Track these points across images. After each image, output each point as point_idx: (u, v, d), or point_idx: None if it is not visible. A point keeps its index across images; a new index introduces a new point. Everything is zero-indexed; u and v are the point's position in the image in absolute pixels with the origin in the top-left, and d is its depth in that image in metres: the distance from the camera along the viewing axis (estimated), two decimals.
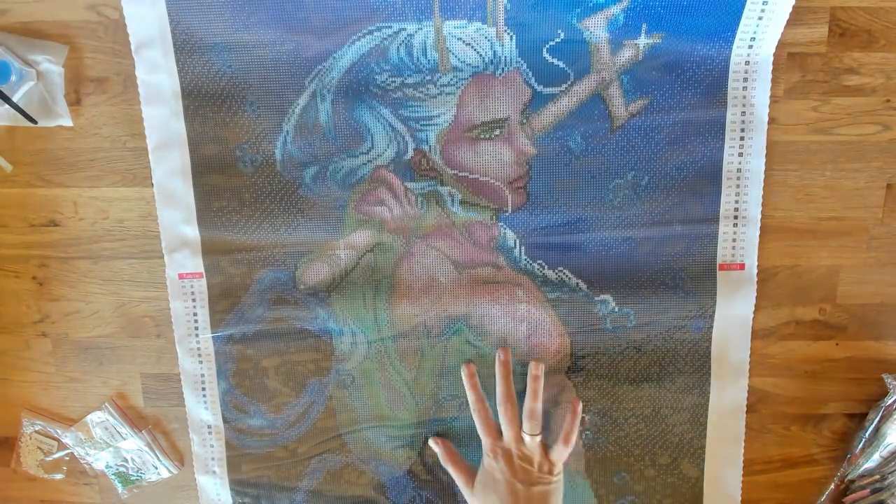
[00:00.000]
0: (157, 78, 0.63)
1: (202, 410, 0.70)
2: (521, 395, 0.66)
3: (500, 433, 0.66)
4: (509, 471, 0.63)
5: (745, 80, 0.61)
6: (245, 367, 0.69)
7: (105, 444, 0.73)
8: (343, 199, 0.65)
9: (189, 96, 0.63)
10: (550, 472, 0.64)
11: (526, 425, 0.64)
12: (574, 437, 0.64)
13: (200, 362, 0.69)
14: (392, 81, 0.62)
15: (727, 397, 0.67)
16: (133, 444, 0.73)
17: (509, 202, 0.65)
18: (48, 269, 0.70)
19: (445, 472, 0.70)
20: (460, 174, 0.64)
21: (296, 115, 0.64)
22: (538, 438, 0.64)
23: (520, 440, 0.64)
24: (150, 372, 0.72)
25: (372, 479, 0.71)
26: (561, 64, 0.62)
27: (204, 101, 0.64)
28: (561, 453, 0.64)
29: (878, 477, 0.68)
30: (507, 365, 0.66)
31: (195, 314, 0.68)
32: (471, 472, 0.67)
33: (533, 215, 0.65)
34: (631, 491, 0.70)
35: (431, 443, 0.69)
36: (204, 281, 0.67)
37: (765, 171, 0.63)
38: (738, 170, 0.63)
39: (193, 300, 0.68)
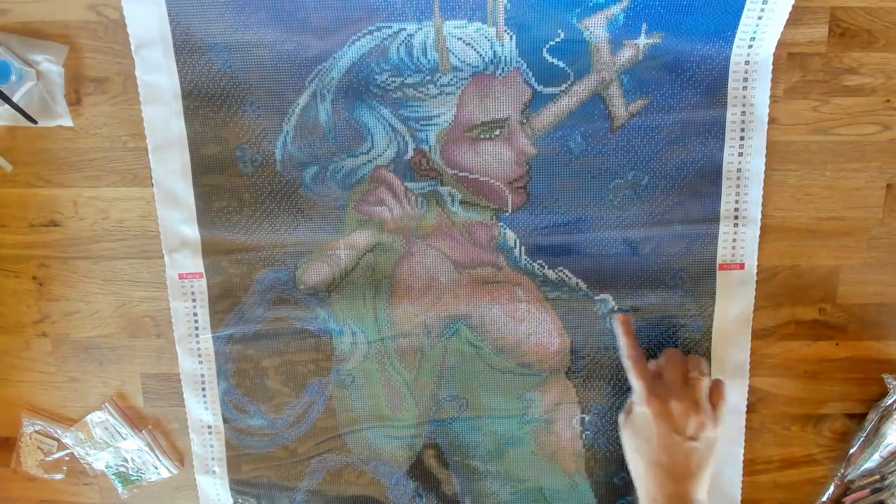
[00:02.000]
0: (157, 78, 0.63)
1: (202, 410, 0.70)
2: (513, 390, 0.67)
3: (658, 377, 0.61)
4: (668, 419, 0.57)
5: (745, 79, 0.61)
6: (245, 367, 0.69)
7: (105, 444, 0.73)
8: (343, 199, 0.65)
9: (189, 96, 0.63)
10: (713, 424, 0.58)
11: (696, 366, 0.60)
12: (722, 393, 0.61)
13: (200, 362, 0.69)
14: (392, 81, 0.62)
15: (727, 397, 0.67)
16: (133, 444, 0.73)
17: (509, 202, 0.65)
18: (48, 269, 0.69)
19: (445, 473, 0.70)
20: (460, 174, 0.64)
21: (296, 115, 0.64)
22: (709, 380, 0.60)
23: (685, 384, 0.59)
24: (150, 372, 0.72)
25: (372, 479, 0.71)
26: (561, 64, 0.61)
27: (204, 101, 0.64)
28: (724, 407, 0.59)
29: (878, 477, 0.68)
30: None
31: (195, 314, 0.68)
32: (647, 384, 0.60)
33: (533, 215, 0.65)
34: (631, 491, 0.70)
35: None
36: (204, 281, 0.67)
37: (765, 171, 0.63)
38: (738, 170, 0.63)
39: (193, 300, 0.68)
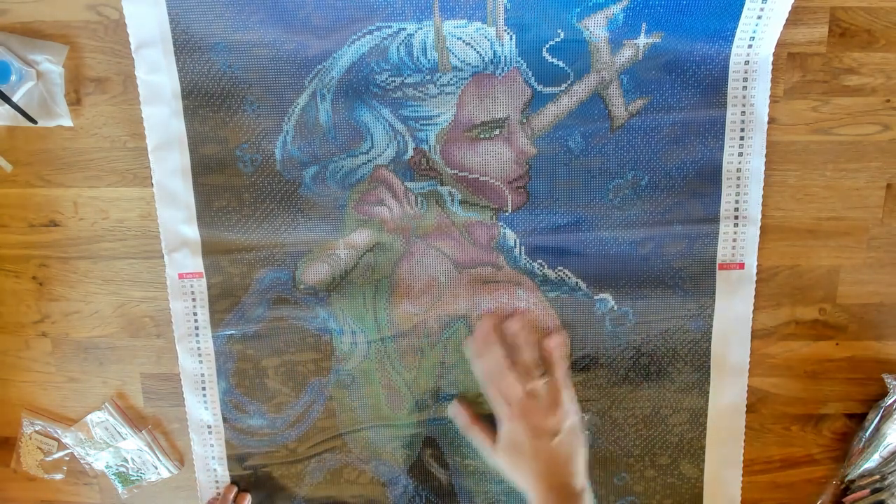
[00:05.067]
0: (157, 78, 0.63)
1: (202, 410, 0.70)
2: None
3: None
4: (529, 429, 0.60)
5: (745, 79, 0.61)
6: (245, 367, 0.69)
7: (105, 444, 0.73)
8: (343, 198, 0.65)
9: (189, 96, 0.63)
10: (570, 410, 0.62)
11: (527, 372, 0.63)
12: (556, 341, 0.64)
13: (200, 362, 0.69)
14: (392, 81, 0.62)
15: (727, 397, 0.67)
16: (133, 444, 0.73)
17: (509, 202, 0.65)
18: (48, 269, 0.70)
19: (445, 472, 0.70)
20: (460, 174, 0.64)
21: (296, 114, 0.64)
22: (545, 378, 0.62)
23: (528, 375, 0.62)
24: (150, 372, 0.72)
25: (372, 479, 0.71)
26: (561, 64, 0.62)
27: (204, 101, 0.64)
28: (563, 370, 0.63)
29: (878, 477, 0.68)
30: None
31: (195, 314, 0.68)
32: (493, 433, 0.64)
33: (533, 215, 0.65)
34: (631, 491, 0.70)
35: (452, 408, 0.67)
36: (204, 281, 0.67)
37: (765, 171, 0.63)
38: (738, 170, 0.63)
39: (193, 300, 0.68)
